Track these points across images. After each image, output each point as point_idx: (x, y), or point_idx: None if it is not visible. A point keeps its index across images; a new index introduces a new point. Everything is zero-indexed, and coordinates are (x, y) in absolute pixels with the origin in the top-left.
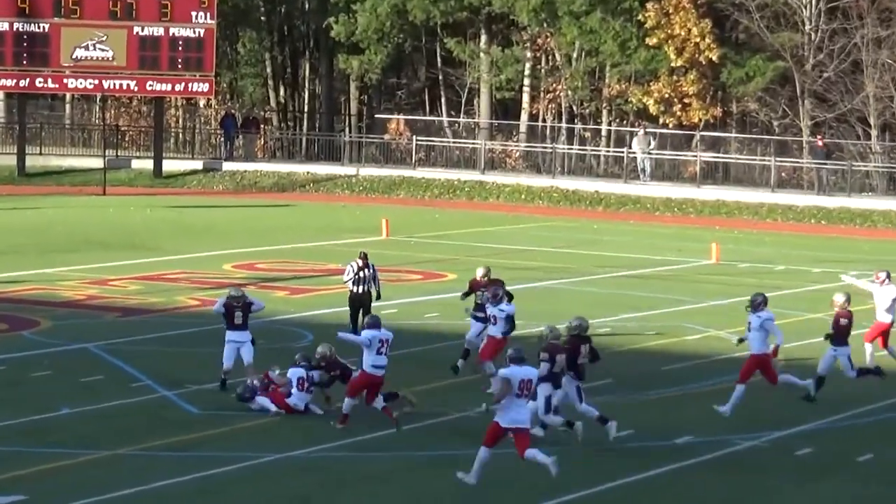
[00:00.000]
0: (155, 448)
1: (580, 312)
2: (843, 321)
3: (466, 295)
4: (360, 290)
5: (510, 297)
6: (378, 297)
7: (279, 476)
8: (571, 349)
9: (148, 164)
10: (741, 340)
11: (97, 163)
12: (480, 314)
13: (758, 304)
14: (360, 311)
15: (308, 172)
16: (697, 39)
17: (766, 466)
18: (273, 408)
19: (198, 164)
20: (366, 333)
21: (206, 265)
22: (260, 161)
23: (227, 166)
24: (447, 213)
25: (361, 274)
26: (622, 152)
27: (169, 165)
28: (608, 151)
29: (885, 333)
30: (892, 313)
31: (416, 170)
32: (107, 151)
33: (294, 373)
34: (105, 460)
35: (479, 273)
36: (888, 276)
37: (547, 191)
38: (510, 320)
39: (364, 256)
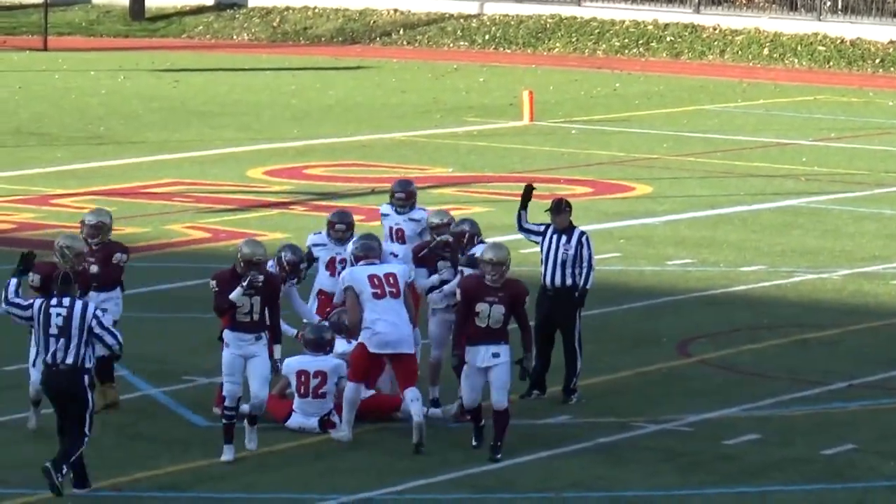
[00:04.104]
0: (136, 488)
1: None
2: None
3: None
4: (552, 283)
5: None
6: (580, 293)
7: None
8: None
9: None
10: None
11: None
12: None
13: None
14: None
15: (396, 11)
16: None
17: None
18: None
19: None
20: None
21: (218, 171)
22: None
23: (258, 0)
24: (634, 79)
25: (553, 248)
26: None
27: None
28: None
29: None
30: None
31: (582, 6)
32: None
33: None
34: None
35: None
36: None
37: (807, 41)
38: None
39: (560, 204)
